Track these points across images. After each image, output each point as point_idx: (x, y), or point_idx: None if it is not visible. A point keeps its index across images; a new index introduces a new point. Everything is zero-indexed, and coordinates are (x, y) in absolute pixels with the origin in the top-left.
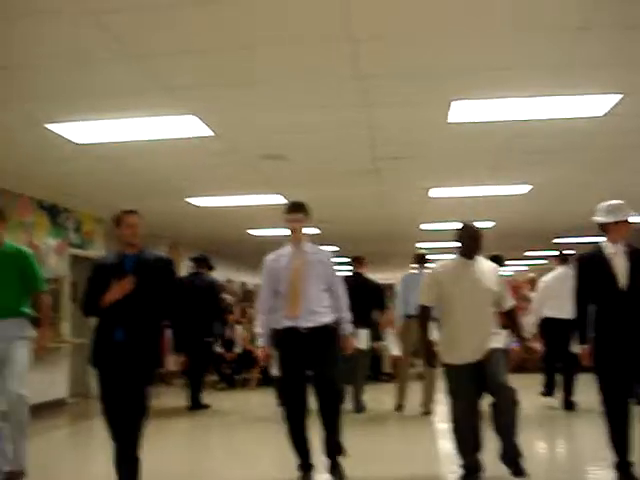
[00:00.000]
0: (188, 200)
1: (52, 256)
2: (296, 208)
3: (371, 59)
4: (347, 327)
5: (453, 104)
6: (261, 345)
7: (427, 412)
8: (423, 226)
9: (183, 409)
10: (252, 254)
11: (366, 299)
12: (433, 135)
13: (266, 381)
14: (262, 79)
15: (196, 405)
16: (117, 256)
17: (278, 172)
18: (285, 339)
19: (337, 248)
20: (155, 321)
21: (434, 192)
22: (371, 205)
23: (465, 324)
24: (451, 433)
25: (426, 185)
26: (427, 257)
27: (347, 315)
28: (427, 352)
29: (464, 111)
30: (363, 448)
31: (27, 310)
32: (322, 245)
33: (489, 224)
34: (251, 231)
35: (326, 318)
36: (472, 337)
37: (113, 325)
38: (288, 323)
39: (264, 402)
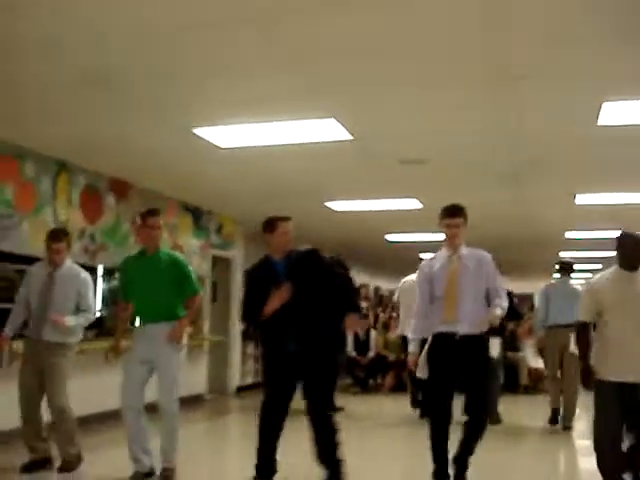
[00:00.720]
0: (327, 204)
1: (195, 257)
2: (455, 212)
3: (515, 60)
4: (497, 310)
5: (604, 105)
6: (411, 351)
7: (568, 427)
8: (568, 234)
9: None
10: (388, 259)
11: None
12: (582, 139)
13: (400, 386)
14: (403, 81)
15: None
16: (267, 263)
17: (416, 177)
18: (439, 344)
19: None
20: (326, 322)
21: (581, 198)
22: (512, 211)
23: (627, 342)
24: (594, 451)
25: (573, 191)
26: (573, 266)
27: (500, 302)
28: (585, 373)
29: (616, 113)
30: (497, 462)
31: (181, 313)
32: None
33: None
34: (388, 236)
35: (482, 326)
36: (634, 356)
37: (283, 336)
38: (443, 328)
39: (397, 407)
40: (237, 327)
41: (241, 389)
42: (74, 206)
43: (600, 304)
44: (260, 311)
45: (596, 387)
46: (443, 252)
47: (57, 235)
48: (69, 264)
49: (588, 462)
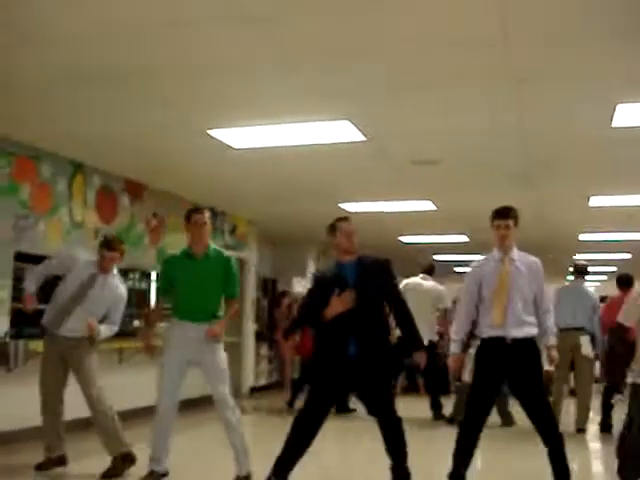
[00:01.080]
0: (340, 205)
1: None
2: (506, 213)
3: (530, 62)
4: (552, 338)
5: (619, 107)
6: (453, 352)
7: (581, 429)
8: (582, 236)
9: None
10: (401, 261)
11: None
12: (596, 140)
13: (413, 388)
14: (416, 83)
15: (342, 408)
16: (336, 266)
17: (429, 178)
18: (488, 349)
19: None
20: (385, 330)
21: (595, 200)
22: (525, 213)
23: None
24: (618, 457)
25: (586, 193)
26: (587, 268)
27: (552, 326)
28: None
29: (631, 115)
30: (507, 464)
31: (221, 313)
32: (471, 254)
33: None
34: (402, 238)
35: (533, 330)
36: None
37: (344, 339)
38: (493, 332)
39: (410, 408)
40: (251, 328)
41: (254, 390)
42: (89, 207)
43: None
44: (320, 313)
45: (633, 391)
46: (494, 254)
47: (112, 244)
48: (113, 273)
49: (600, 465)
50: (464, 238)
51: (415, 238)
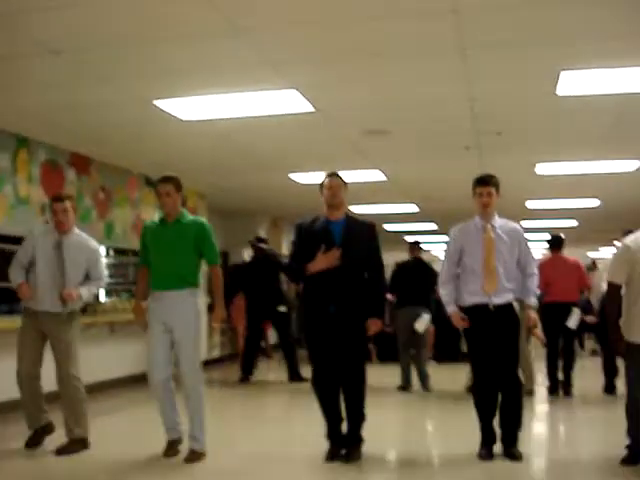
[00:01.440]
0: (290, 176)
1: None
2: (487, 180)
3: (474, 29)
4: (532, 300)
5: (562, 74)
6: (452, 312)
7: (529, 391)
8: (529, 204)
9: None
10: None
11: (426, 282)
12: (541, 108)
13: (382, 356)
14: (365, 53)
15: (294, 377)
16: (324, 221)
17: (379, 148)
18: (473, 316)
19: (435, 226)
20: (363, 290)
21: (541, 168)
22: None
23: None
24: (626, 413)
25: (533, 161)
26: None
27: (534, 288)
28: (618, 339)
29: (574, 82)
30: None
31: (198, 281)
32: (420, 222)
33: (596, 202)
34: (352, 207)
35: (512, 295)
36: None
37: (325, 297)
38: (477, 299)
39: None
40: (203, 300)
41: (208, 363)
42: (34, 182)
43: (633, 266)
44: (304, 267)
45: (630, 354)
46: (476, 221)
47: (58, 195)
48: (77, 231)
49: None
50: (414, 208)
51: (365, 208)
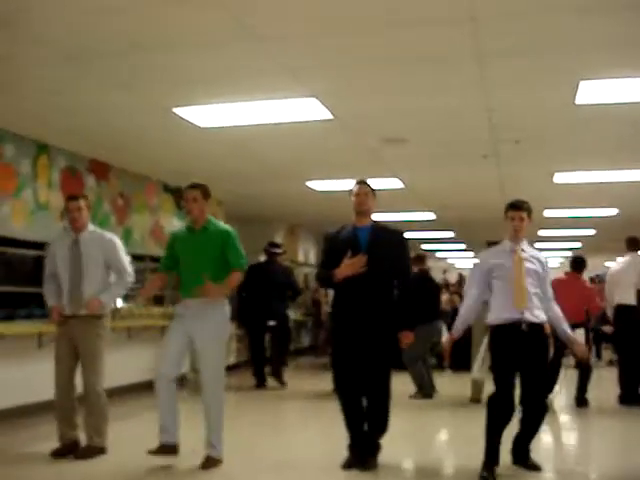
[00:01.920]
0: (308, 184)
1: None
2: (520, 206)
3: (492, 37)
4: (566, 327)
5: (582, 84)
6: (453, 335)
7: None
8: (547, 213)
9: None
10: None
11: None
12: (560, 117)
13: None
14: (383, 62)
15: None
16: (352, 229)
17: (397, 156)
18: (505, 334)
19: (452, 234)
20: (391, 298)
21: (559, 177)
22: (491, 190)
23: None
24: None
25: (551, 170)
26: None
27: (561, 317)
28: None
29: (593, 92)
30: None
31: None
32: (437, 230)
33: (614, 211)
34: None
35: (544, 317)
36: None
37: (351, 302)
38: (510, 315)
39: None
40: (228, 308)
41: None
42: (54, 187)
43: None
44: (333, 275)
45: None
46: (505, 245)
47: (72, 195)
48: (92, 228)
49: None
50: (431, 215)
51: (383, 216)
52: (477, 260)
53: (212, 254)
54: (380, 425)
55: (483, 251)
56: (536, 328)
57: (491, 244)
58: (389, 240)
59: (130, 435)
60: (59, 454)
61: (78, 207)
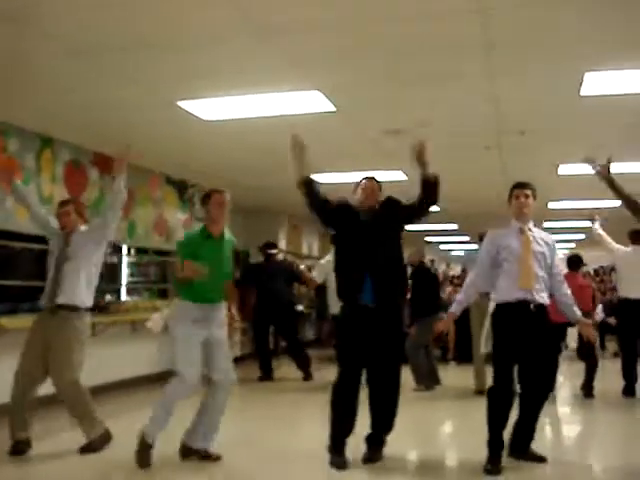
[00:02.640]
0: (312, 177)
1: (180, 230)
2: (525, 184)
3: (498, 28)
4: (576, 308)
5: (587, 75)
6: (451, 314)
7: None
8: (551, 204)
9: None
10: None
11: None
12: (564, 108)
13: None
14: (386, 53)
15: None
16: (351, 208)
17: (400, 148)
18: (512, 313)
19: (456, 226)
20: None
21: (564, 169)
22: (495, 181)
23: None
24: None
25: (555, 161)
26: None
27: (571, 299)
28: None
29: (599, 83)
30: None
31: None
32: (441, 223)
33: (618, 202)
34: None
35: (547, 300)
36: None
37: (358, 283)
38: (520, 295)
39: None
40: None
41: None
42: (58, 181)
43: None
44: (327, 201)
45: None
46: (513, 225)
47: (62, 202)
48: (83, 228)
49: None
50: (435, 207)
51: None
52: (489, 235)
53: (228, 263)
54: (388, 423)
55: (491, 230)
56: (543, 310)
57: (482, 236)
58: (386, 209)
59: (136, 429)
60: (19, 451)
61: (66, 212)
